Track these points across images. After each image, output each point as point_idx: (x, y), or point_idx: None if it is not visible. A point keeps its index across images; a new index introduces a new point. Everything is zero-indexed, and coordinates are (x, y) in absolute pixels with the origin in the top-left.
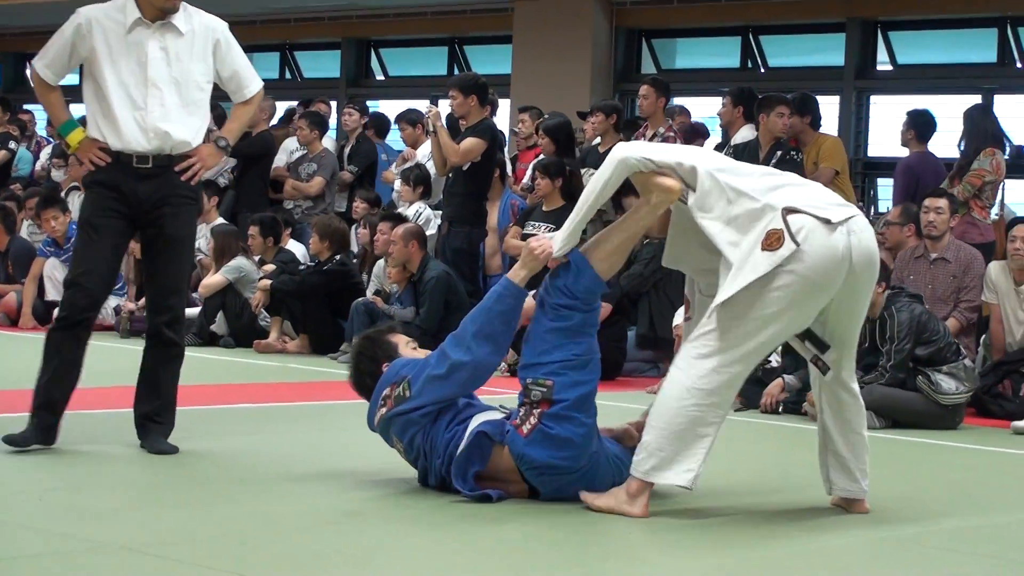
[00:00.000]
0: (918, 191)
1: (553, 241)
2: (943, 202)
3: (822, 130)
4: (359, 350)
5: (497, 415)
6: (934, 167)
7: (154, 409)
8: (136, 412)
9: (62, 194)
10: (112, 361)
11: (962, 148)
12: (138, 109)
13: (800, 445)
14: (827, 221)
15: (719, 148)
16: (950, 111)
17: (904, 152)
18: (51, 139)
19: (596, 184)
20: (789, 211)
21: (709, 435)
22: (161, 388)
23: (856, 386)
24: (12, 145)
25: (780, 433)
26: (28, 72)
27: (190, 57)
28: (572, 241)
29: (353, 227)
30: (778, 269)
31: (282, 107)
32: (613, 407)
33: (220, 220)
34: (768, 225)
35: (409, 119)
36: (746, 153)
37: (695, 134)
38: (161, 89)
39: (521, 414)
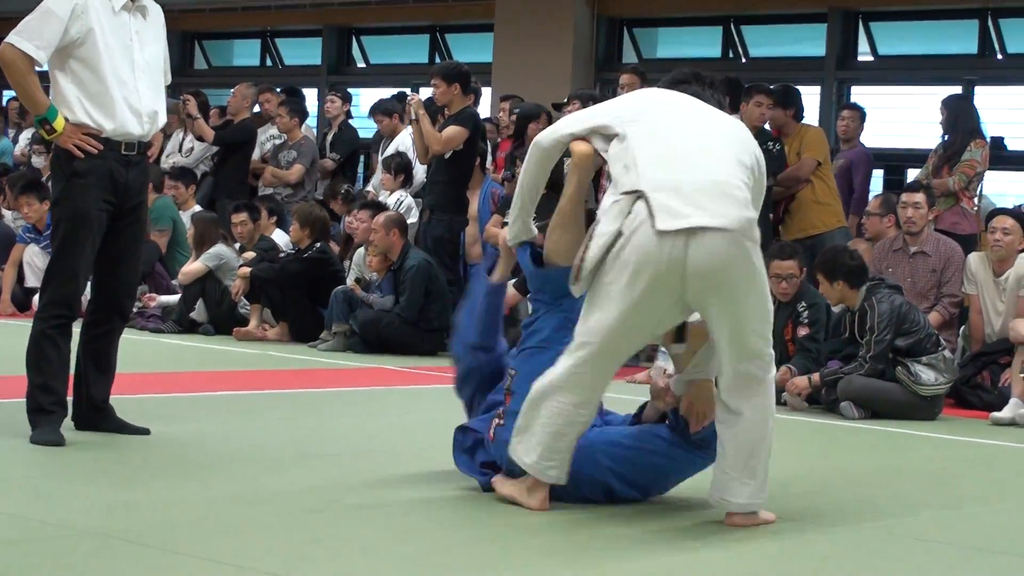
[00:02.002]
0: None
1: (507, 232)
2: (920, 196)
3: (804, 121)
4: None
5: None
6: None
7: (107, 391)
8: (90, 396)
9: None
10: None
11: (946, 137)
12: (131, 92)
13: (779, 435)
14: (656, 226)
15: None
16: (931, 102)
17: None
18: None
19: (523, 173)
20: (642, 196)
21: (571, 433)
22: (112, 368)
23: (738, 404)
24: None
25: None
26: (2, 54)
27: (154, 40)
28: (522, 234)
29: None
30: (613, 254)
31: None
32: None
33: (197, 207)
34: (621, 204)
35: (384, 110)
36: None
37: None
38: (144, 72)
39: (492, 414)
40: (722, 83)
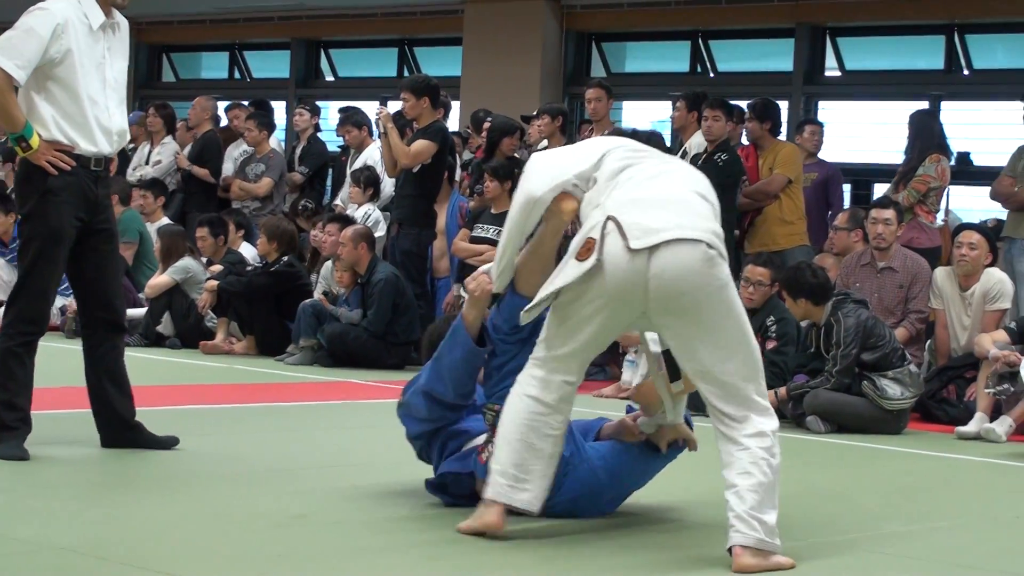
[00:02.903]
0: None
1: (490, 276)
2: (890, 213)
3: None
4: None
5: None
6: None
7: (133, 407)
8: (119, 416)
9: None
10: (59, 362)
11: (907, 153)
12: (101, 111)
13: None
14: (627, 246)
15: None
16: (898, 117)
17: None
18: None
19: (512, 225)
20: (612, 219)
21: (545, 448)
22: (128, 383)
23: (736, 432)
24: None
25: None
26: None
27: (122, 55)
28: (507, 275)
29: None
30: (584, 278)
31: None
32: None
33: (165, 220)
34: (590, 231)
35: (355, 121)
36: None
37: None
38: (113, 90)
39: (483, 440)
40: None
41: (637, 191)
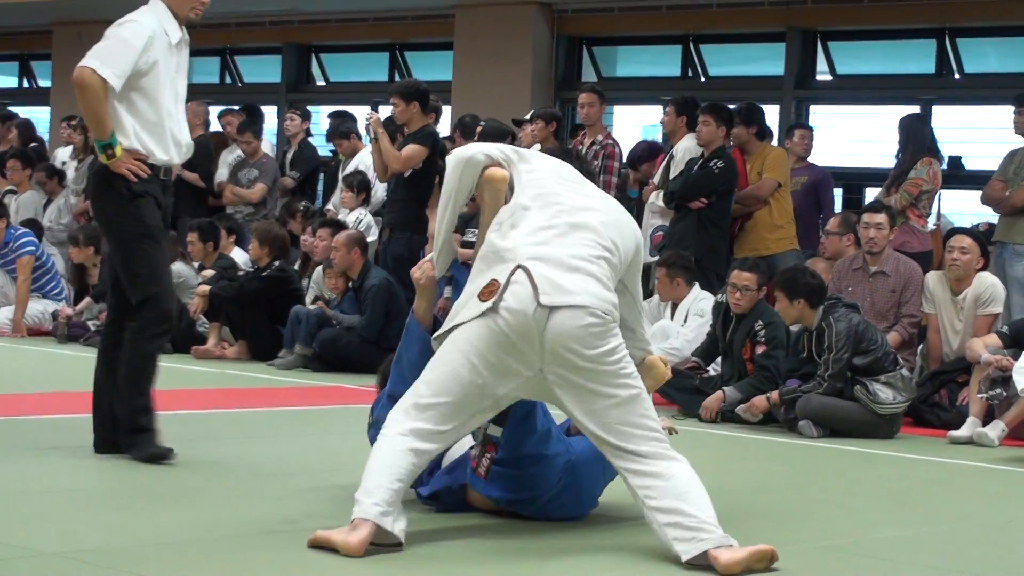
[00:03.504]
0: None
1: (432, 263)
2: (882, 217)
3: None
4: None
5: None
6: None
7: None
8: (116, 416)
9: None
10: (51, 367)
11: (899, 157)
12: (175, 123)
13: (736, 454)
14: (537, 300)
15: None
16: (889, 121)
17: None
18: None
19: (447, 192)
20: (522, 268)
21: (404, 482)
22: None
23: (633, 464)
24: None
25: (718, 441)
26: (78, 77)
27: (186, 72)
28: (447, 256)
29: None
30: (481, 320)
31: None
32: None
33: None
34: (497, 274)
35: (341, 133)
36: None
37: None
38: (182, 104)
39: (475, 453)
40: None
41: (550, 246)
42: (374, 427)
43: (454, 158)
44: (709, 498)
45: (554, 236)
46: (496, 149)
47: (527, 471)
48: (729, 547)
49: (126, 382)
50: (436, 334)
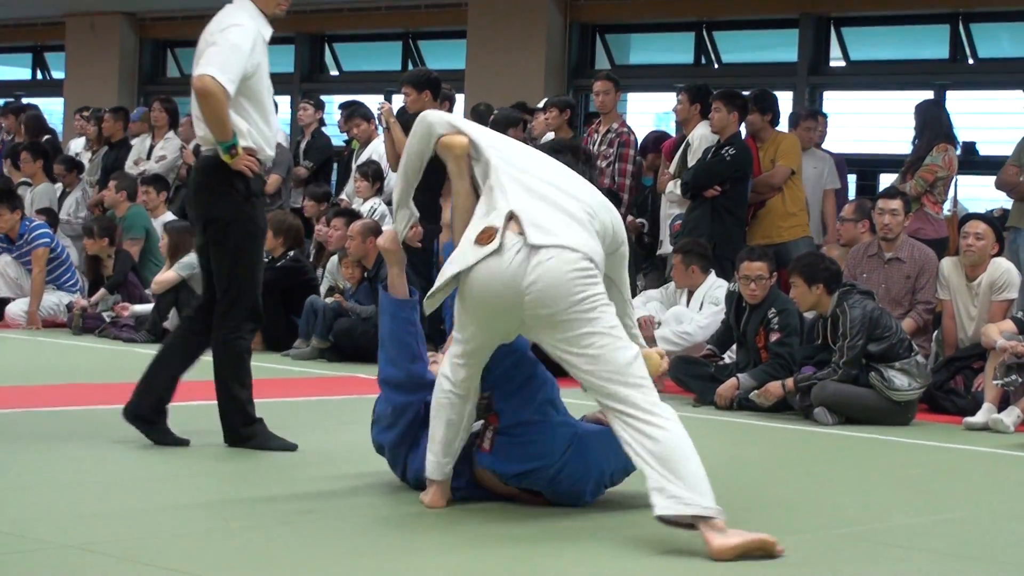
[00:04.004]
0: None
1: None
2: (897, 203)
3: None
4: None
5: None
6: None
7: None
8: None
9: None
10: (66, 359)
11: (915, 143)
12: (272, 119)
13: (751, 441)
14: (525, 240)
15: (677, 145)
16: (903, 107)
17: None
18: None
19: (407, 150)
20: (512, 216)
21: (459, 423)
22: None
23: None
24: None
25: (734, 429)
26: (201, 85)
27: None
28: (404, 217)
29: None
30: (479, 264)
31: None
32: None
33: (170, 215)
34: (492, 219)
35: (362, 114)
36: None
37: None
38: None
39: (479, 427)
40: (590, 158)
41: (538, 197)
42: (375, 424)
43: (419, 124)
44: (697, 458)
45: (541, 196)
46: (467, 125)
47: (529, 437)
48: (722, 530)
49: (228, 379)
50: (430, 292)
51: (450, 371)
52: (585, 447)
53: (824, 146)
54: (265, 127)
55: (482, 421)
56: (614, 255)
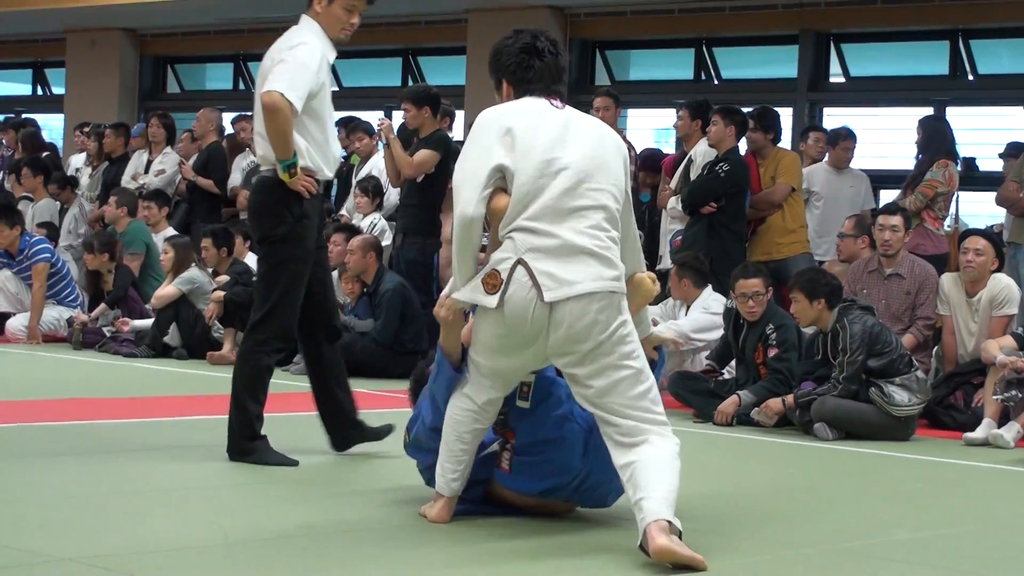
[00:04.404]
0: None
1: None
2: (897, 219)
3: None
4: None
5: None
6: None
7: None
8: (349, 417)
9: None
10: (67, 373)
11: (918, 158)
12: (334, 140)
13: (753, 456)
14: (540, 297)
15: (678, 161)
16: (903, 123)
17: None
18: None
19: (459, 247)
20: (522, 263)
21: (471, 443)
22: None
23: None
24: None
25: (734, 444)
26: (269, 101)
27: None
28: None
29: None
30: (490, 312)
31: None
32: None
33: (171, 231)
34: (499, 264)
35: (365, 129)
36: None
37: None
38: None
39: (497, 447)
40: (555, 51)
41: (546, 233)
42: (411, 446)
43: (459, 218)
44: (671, 478)
45: (551, 226)
46: (486, 179)
47: (547, 456)
48: (669, 533)
49: (243, 391)
50: (458, 296)
51: (472, 391)
52: (604, 456)
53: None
54: (326, 148)
55: (499, 439)
56: (625, 179)
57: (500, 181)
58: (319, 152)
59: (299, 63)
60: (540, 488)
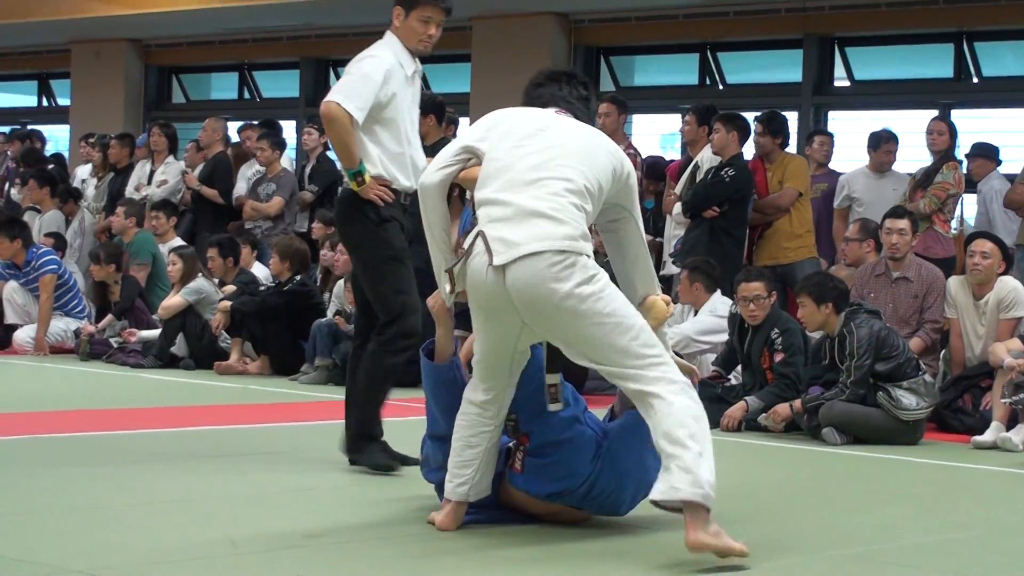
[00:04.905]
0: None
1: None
2: (905, 223)
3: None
4: None
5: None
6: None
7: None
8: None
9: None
10: (74, 385)
11: (933, 159)
12: (414, 150)
13: (761, 461)
14: (491, 261)
15: (683, 167)
16: (908, 126)
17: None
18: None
19: (426, 225)
20: (481, 233)
21: (481, 444)
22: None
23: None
24: None
25: (742, 449)
26: (326, 111)
27: (418, 101)
28: (446, 281)
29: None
30: (465, 284)
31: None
32: None
33: (178, 241)
34: (468, 238)
35: None
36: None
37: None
38: (418, 130)
39: (511, 447)
40: (581, 81)
41: (503, 200)
42: (424, 465)
43: (419, 192)
44: (700, 433)
45: (511, 195)
46: (450, 155)
47: (557, 458)
48: (706, 523)
49: (364, 391)
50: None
51: (471, 392)
52: (614, 456)
53: (829, 166)
54: (402, 157)
55: (513, 442)
56: (623, 188)
57: (468, 161)
58: (394, 161)
59: (361, 75)
60: (548, 491)
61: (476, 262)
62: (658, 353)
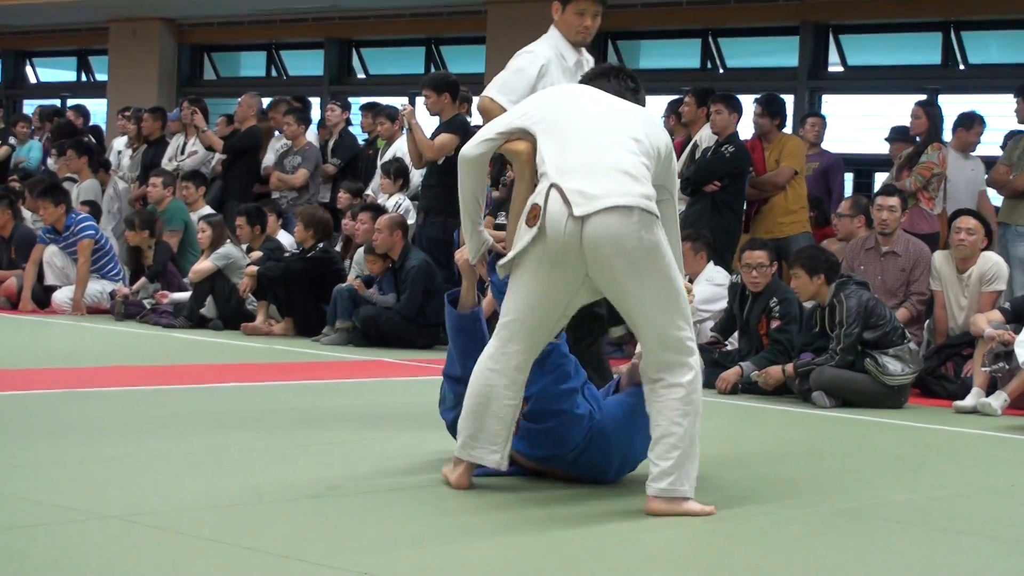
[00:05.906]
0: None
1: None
2: (895, 200)
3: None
4: None
5: None
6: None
7: None
8: None
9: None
10: (110, 343)
11: (916, 140)
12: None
13: (753, 423)
14: (571, 212)
15: (682, 145)
16: (897, 109)
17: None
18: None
19: (461, 190)
20: (555, 186)
21: (506, 415)
22: None
23: (655, 380)
24: (12, 141)
25: (736, 411)
26: (480, 105)
27: None
28: (475, 245)
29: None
30: (532, 243)
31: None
32: None
33: (207, 209)
34: (536, 197)
35: (388, 114)
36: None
37: None
38: None
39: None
40: (629, 74)
41: (577, 156)
42: (441, 404)
43: (460, 160)
44: (685, 433)
45: (583, 151)
46: (495, 130)
47: (550, 425)
48: (673, 499)
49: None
50: (501, 262)
51: (493, 360)
52: (605, 438)
53: (822, 146)
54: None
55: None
56: (668, 166)
57: (511, 135)
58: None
59: (515, 68)
60: (539, 455)
61: (555, 211)
62: (691, 336)
